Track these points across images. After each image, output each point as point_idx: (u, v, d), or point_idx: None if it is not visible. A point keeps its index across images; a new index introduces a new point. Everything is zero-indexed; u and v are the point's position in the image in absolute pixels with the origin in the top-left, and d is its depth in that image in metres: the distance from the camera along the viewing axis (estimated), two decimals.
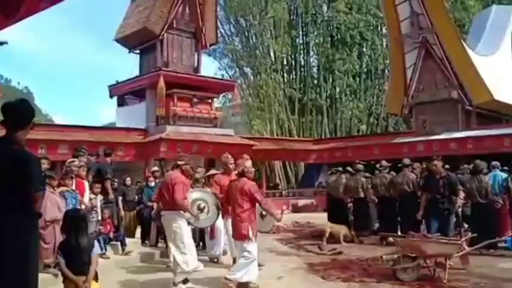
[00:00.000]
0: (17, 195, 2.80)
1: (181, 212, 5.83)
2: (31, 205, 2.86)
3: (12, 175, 2.79)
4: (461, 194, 7.90)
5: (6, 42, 10.45)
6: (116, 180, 9.18)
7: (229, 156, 7.09)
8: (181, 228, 5.84)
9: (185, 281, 5.77)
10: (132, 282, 6.28)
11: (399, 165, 9.57)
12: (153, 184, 9.19)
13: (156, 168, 10.21)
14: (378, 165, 10.19)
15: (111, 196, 8.62)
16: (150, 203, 8.89)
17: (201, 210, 6.08)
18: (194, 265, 5.83)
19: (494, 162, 9.27)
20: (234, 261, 6.33)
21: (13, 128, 2.89)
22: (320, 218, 12.01)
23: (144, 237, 9.04)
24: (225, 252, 7.58)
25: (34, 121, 3.07)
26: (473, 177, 8.60)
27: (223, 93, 22.30)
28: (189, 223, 5.98)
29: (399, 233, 8.39)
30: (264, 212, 6.02)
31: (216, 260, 7.53)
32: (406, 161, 9.59)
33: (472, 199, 8.51)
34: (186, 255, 5.73)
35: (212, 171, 8.32)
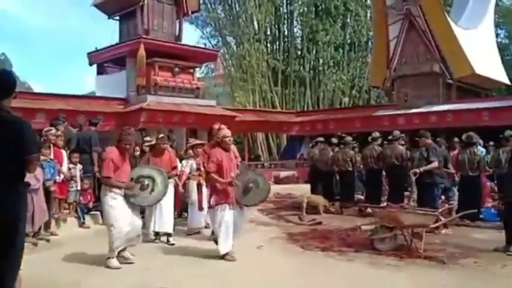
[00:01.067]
0: (10, 161, 2.80)
1: (107, 188, 5.35)
2: (25, 169, 2.89)
3: (4, 140, 2.79)
4: (434, 164, 7.54)
5: None
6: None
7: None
8: (109, 205, 5.29)
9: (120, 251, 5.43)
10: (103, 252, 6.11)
11: (389, 137, 9.44)
12: (137, 154, 9.00)
13: (148, 138, 9.83)
14: (369, 138, 9.96)
15: (96, 168, 8.52)
16: None
17: (143, 188, 5.51)
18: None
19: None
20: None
21: None
22: (301, 190, 12.11)
23: None
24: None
25: (17, 91, 3.14)
26: (466, 149, 8.35)
27: (206, 63, 21.95)
28: (128, 200, 5.46)
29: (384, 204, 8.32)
30: (250, 185, 5.91)
31: (198, 232, 7.52)
32: (397, 133, 9.45)
33: (461, 171, 8.34)
34: (115, 230, 5.22)
35: (196, 141, 8.28)
